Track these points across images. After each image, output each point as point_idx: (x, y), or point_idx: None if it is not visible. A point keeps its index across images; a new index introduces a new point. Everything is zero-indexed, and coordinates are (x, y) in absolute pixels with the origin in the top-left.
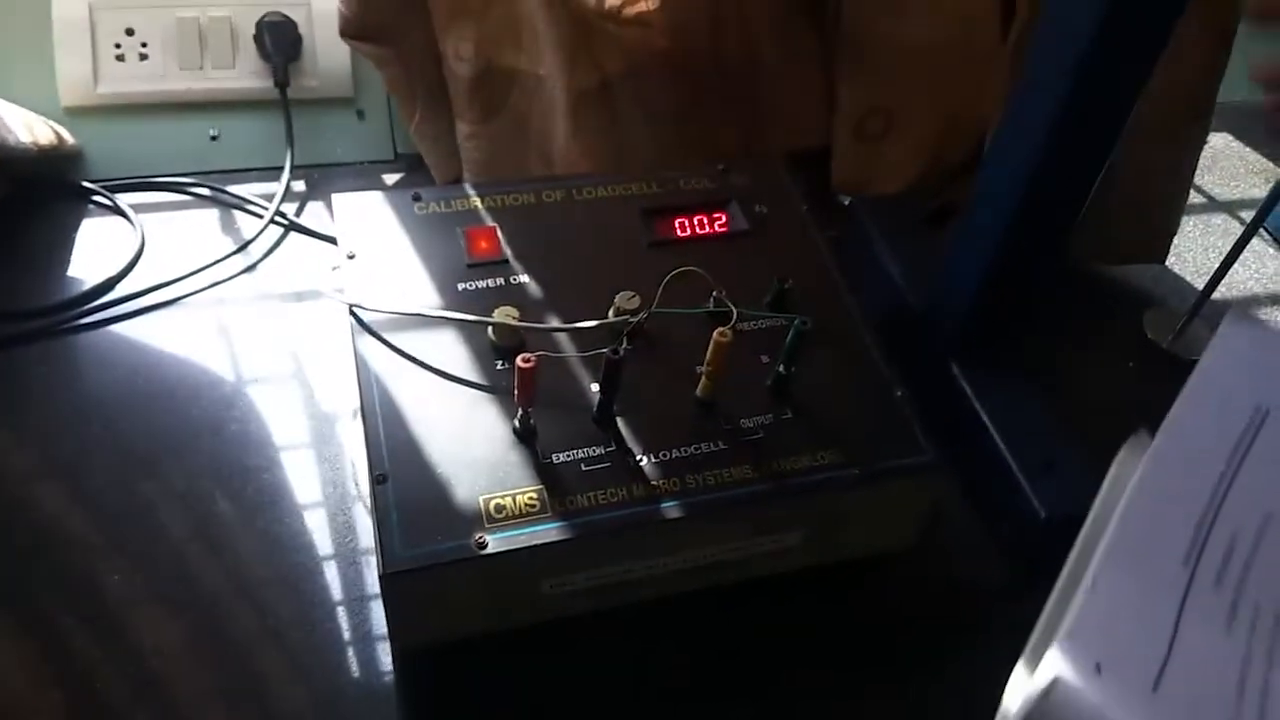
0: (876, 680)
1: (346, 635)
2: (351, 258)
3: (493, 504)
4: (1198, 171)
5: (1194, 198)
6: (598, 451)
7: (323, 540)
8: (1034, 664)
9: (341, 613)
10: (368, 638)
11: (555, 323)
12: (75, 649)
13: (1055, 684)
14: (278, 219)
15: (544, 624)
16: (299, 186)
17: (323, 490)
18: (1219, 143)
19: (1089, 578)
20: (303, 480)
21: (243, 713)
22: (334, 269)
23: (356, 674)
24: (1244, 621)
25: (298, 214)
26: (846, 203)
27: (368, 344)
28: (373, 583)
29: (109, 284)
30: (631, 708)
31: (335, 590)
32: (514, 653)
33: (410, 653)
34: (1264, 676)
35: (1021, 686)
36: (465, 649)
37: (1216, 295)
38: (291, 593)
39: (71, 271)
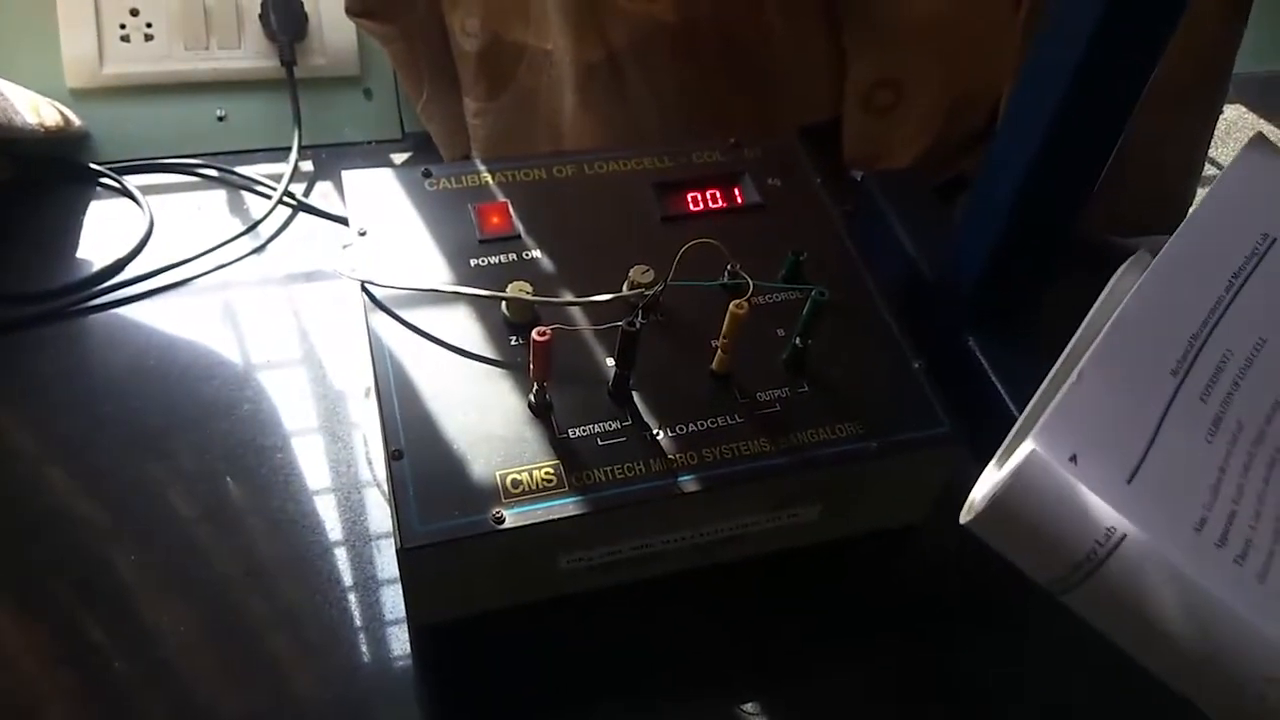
0: (892, 654)
1: (363, 614)
2: (363, 234)
3: (509, 479)
4: (1212, 143)
5: (1208, 169)
6: (614, 426)
7: (337, 518)
8: (1004, 460)
9: (358, 591)
10: (385, 617)
11: (569, 297)
12: (87, 629)
13: (1027, 463)
14: (286, 199)
15: (561, 599)
16: (307, 167)
17: (336, 469)
18: (1233, 114)
19: (1075, 373)
20: (316, 459)
21: (259, 691)
22: (345, 247)
23: (373, 653)
24: (1226, 434)
25: (306, 194)
26: (858, 178)
27: (381, 320)
28: (386, 562)
29: (118, 265)
30: (648, 683)
31: (352, 568)
32: (531, 628)
33: (427, 629)
34: (1238, 484)
35: (990, 478)
36: (482, 625)
37: None
38: (308, 572)
39: (80, 253)
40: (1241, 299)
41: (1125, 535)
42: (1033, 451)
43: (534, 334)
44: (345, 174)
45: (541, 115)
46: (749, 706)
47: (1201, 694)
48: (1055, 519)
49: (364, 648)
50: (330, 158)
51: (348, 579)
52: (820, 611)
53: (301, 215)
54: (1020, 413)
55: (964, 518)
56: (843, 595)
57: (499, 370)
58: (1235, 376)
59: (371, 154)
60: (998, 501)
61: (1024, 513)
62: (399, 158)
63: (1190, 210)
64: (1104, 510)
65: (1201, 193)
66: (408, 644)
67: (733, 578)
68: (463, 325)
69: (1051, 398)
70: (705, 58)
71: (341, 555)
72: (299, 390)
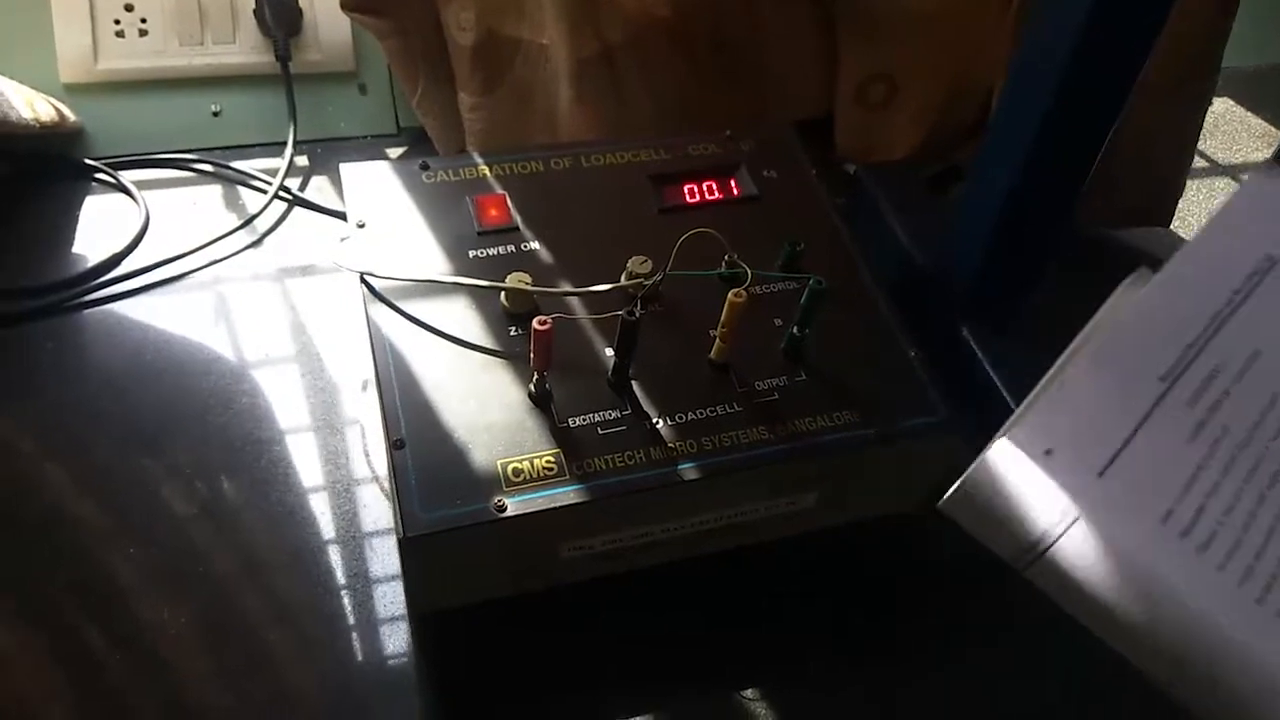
0: (891, 641)
1: (364, 606)
2: (361, 227)
3: (510, 467)
4: (1201, 136)
5: (1197, 162)
6: (614, 415)
7: (336, 511)
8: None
9: (358, 584)
10: (386, 608)
11: (568, 288)
12: (86, 626)
13: (995, 453)
14: (282, 194)
15: (562, 588)
16: (302, 161)
17: (335, 462)
18: (1221, 107)
19: (1061, 371)
20: (314, 452)
21: (259, 685)
22: (343, 239)
23: (374, 645)
24: (1208, 437)
25: (301, 189)
26: (852, 171)
27: (380, 312)
28: (386, 552)
29: (114, 261)
30: (648, 671)
31: (351, 561)
32: (531, 616)
33: (428, 619)
34: (1214, 482)
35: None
36: (483, 614)
37: None
38: (308, 565)
39: (76, 249)
40: (1240, 314)
41: (1077, 519)
42: (1002, 442)
43: (534, 323)
44: (343, 167)
45: (537, 109)
46: (749, 693)
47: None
48: (1015, 504)
49: (364, 640)
50: (325, 153)
51: (347, 572)
52: (821, 598)
53: (297, 210)
54: (1014, 401)
55: (940, 503)
56: (843, 583)
57: (499, 360)
58: (1226, 386)
59: (367, 149)
60: (965, 484)
61: (988, 497)
62: (394, 152)
63: (1198, 230)
64: (1061, 498)
65: (1192, 187)
66: (408, 636)
67: (733, 566)
68: (462, 316)
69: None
70: (699, 53)
71: (341, 548)
72: (296, 384)
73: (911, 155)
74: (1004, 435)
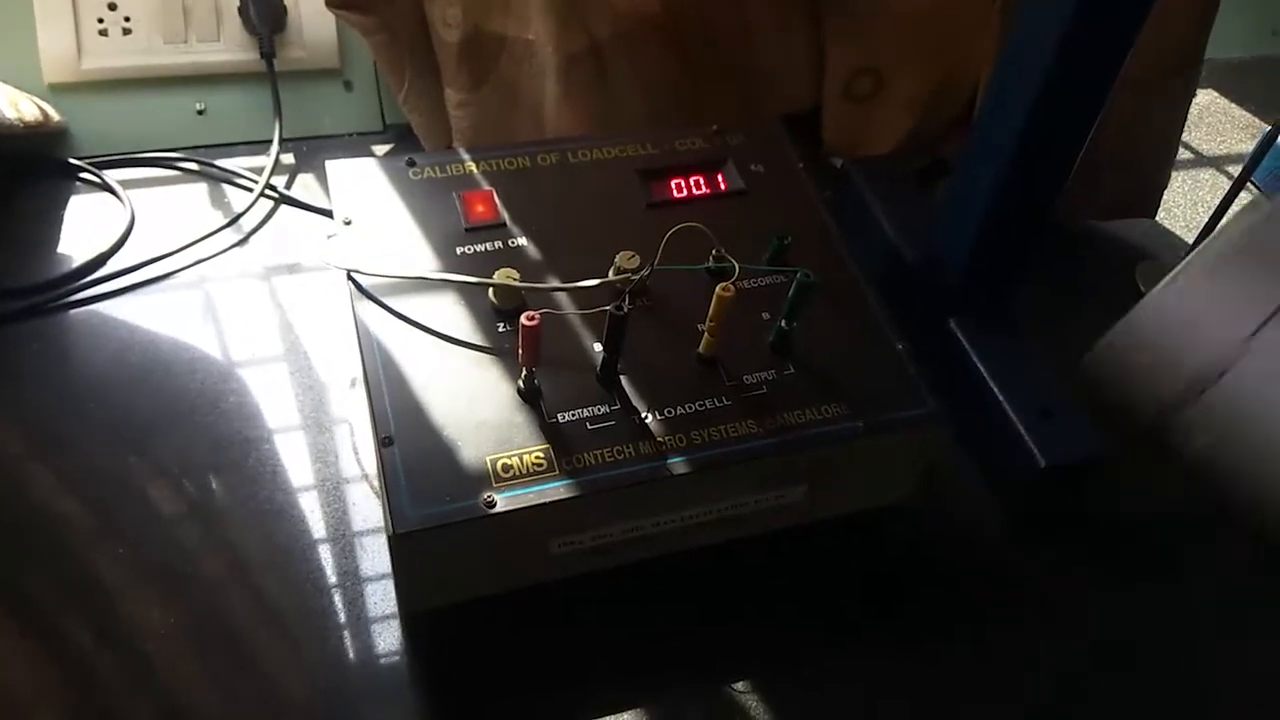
0: (882, 632)
1: (354, 604)
2: (348, 224)
3: (499, 463)
4: (1185, 128)
5: (1182, 153)
6: (603, 410)
7: (325, 510)
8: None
9: (349, 582)
10: (376, 606)
11: (556, 283)
12: (75, 627)
13: (1142, 314)
14: (268, 192)
15: (552, 584)
16: (288, 159)
17: (324, 460)
18: (1205, 99)
19: (1209, 246)
20: (302, 451)
21: (249, 684)
22: (330, 236)
23: (365, 643)
24: None
25: (287, 186)
26: (839, 165)
27: (367, 309)
28: (377, 550)
29: (99, 260)
30: (640, 665)
31: (342, 559)
32: (522, 613)
33: (419, 616)
34: None
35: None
36: (474, 611)
37: None
38: (297, 562)
39: (61, 249)
40: None
41: (1233, 367)
42: (1152, 298)
43: (523, 319)
44: (330, 164)
45: (524, 105)
46: (740, 686)
47: None
48: (1167, 353)
49: (355, 638)
50: (311, 150)
51: (337, 570)
52: (811, 590)
53: (283, 208)
54: (1001, 392)
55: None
56: (834, 575)
57: (487, 357)
58: None
59: (353, 146)
60: (1113, 337)
61: (1137, 349)
62: (380, 149)
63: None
64: (1216, 347)
65: (1178, 178)
66: (399, 634)
67: (722, 559)
68: (450, 313)
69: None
70: (687, 48)
71: (331, 546)
72: (284, 383)
73: (899, 149)
74: (1154, 294)
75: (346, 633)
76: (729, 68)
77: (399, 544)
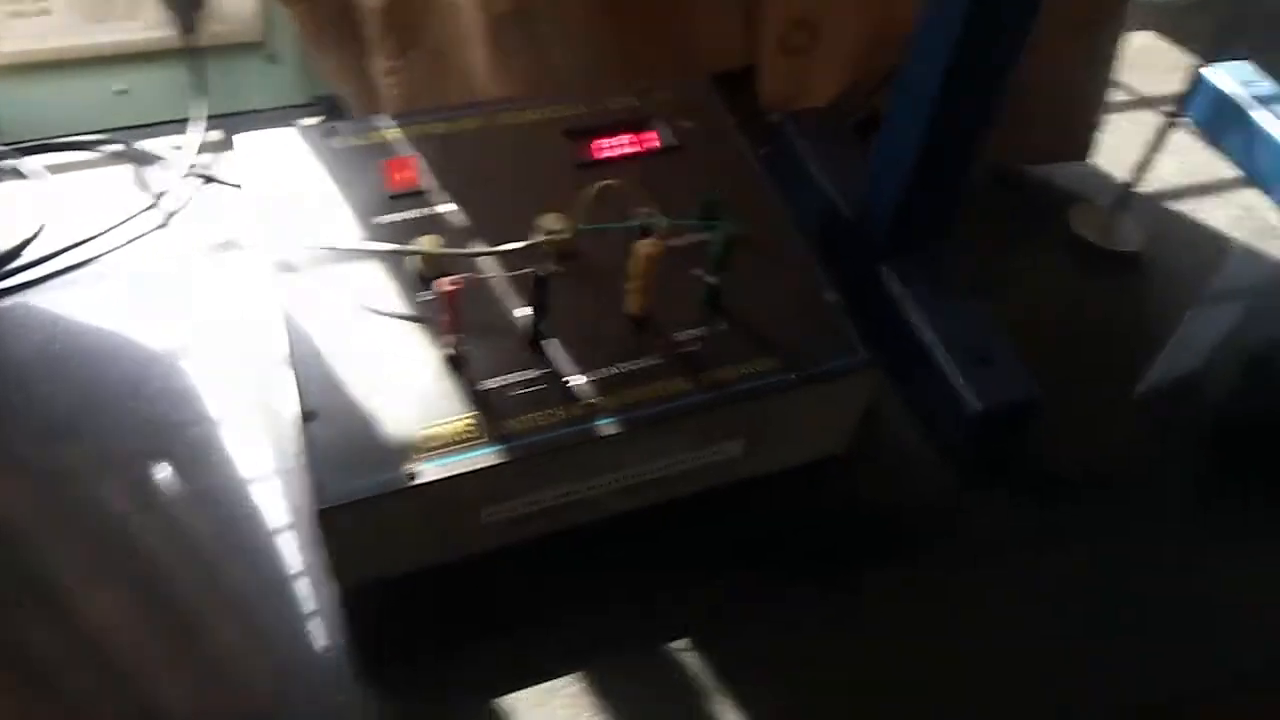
0: (826, 585)
1: (292, 583)
2: (265, 197)
3: (426, 433)
4: (1123, 69)
5: (1120, 95)
6: (532, 374)
7: (260, 491)
8: None
9: (285, 561)
10: (313, 584)
11: (481, 248)
12: (14, 626)
13: None
14: (192, 171)
15: (491, 552)
16: (214, 137)
17: (257, 441)
18: (1143, 40)
19: None
20: (236, 433)
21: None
22: (247, 211)
23: (309, 621)
24: None
25: (214, 165)
26: (777, 120)
27: (288, 283)
28: (312, 528)
29: (16, 251)
30: (582, 630)
31: (278, 540)
32: (461, 583)
33: (355, 590)
34: None
35: None
36: (411, 583)
37: (1144, 189)
38: (231, 547)
39: None
40: None
41: None
42: None
43: (444, 284)
44: (238, 137)
45: (454, 69)
46: (680, 643)
47: None
48: None
49: (291, 615)
50: (237, 127)
51: (273, 552)
52: (753, 546)
53: (211, 186)
54: (936, 339)
55: None
56: (775, 530)
57: (413, 326)
58: None
59: (281, 120)
60: None
61: None
62: (310, 122)
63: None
64: None
65: (1117, 120)
66: (336, 609)
67: (661, 520)
68: (374, 283)
69: None
70: (619, 6)
71: (267, 528)
72: (215, 365)
73: (835, 102)
74: None
75: (284, 610)
76: (663, 26)
77: (324, 520)
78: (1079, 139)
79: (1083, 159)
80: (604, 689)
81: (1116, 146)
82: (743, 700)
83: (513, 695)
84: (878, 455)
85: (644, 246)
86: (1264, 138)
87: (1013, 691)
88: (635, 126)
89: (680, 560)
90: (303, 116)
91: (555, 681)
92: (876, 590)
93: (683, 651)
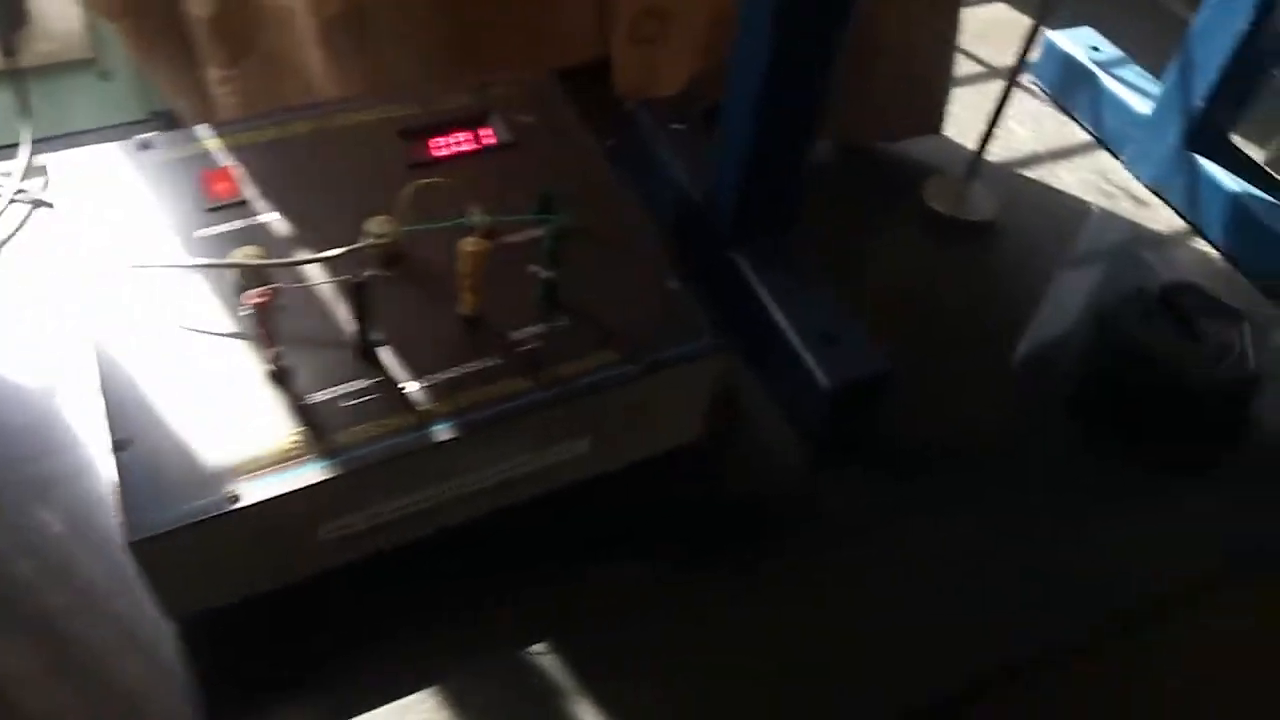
0: (686, 577)
1: (126, 617)
2: (80, 218)
3: (246, 454)
4: (974, 41)
5: (972, 67)
6: (361, 384)
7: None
8: None
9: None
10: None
11: (296, 258)
12: None
13: None
14: (18, 197)
15: (334, 571)
16: (42, 161)
17: (91, 473)
18: (993, 12)
19: None
20: (76, 464)
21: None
22: (60, 233)
23: (145, 652)
24: None
25: (43, 189)
26: (629, 108)
27: (100, 305)
28: None
29: None
30: (434, 643)
31: (103, 569)
32: (306, 606)
33: (193, 621)
34: None
35: None
36: (251, 610)
37: (998, 156)
38: (59, 577)
39: None
40: None
41: None
42: None
43: (251, 297)
44: (49, 158)
45: (289, 75)
46: (538, 647)
47: None
48: None
49: (123, 647)
50: (69, 147)
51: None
52: (616, 541)
53: (40, 211)
54: (786, 321)
55: None
56: (632, 522)
57: (233, 342)
58: None
59: (115, 139)
60: None
61: None
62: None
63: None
64: None
65: (968, 92)
66: (173, 639)
67: (508, 524)
68: (191, 300)
69: None
70: (458, 3)
71: (94, 557)
72: (55, 396)
73: (687, 89)
74: None
75: (126, 652)
76: (508, 20)
77: (136, 552)
78: (929, 113)
79: (936, 132)
80: (460, 700)
81: (969, 119)
82: (603, 699)
83: (366, 717)
84: (738, 442)
85: (468, 244)
86: (1111, 99)
87: (885, 666)
88: (471, 124)
89: (531, 563)
90: (140, 133)
91: (408, 699)
92: (740, 578)
93: (542, 655)
